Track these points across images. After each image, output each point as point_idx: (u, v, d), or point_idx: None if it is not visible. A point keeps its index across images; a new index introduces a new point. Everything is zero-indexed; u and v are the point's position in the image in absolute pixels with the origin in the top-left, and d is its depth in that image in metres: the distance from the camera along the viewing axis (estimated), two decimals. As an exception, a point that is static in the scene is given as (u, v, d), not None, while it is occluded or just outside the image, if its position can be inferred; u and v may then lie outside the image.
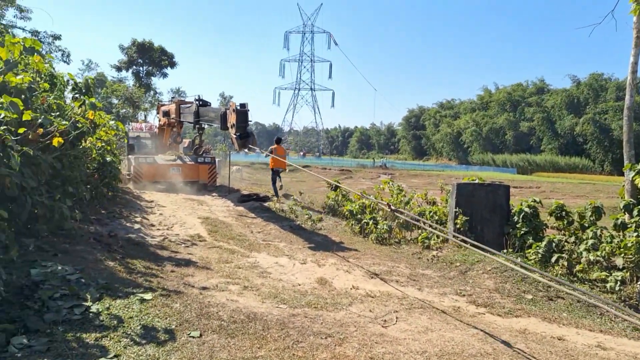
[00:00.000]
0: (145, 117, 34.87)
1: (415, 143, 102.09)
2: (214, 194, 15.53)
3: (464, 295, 5.98)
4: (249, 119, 9.30)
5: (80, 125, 7.27)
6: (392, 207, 5.17)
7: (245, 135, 9.33)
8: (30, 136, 6.28)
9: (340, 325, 4.66)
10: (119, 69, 44.69)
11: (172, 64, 44.61)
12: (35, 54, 4.52)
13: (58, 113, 7.02)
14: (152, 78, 45.13)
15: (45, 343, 3.81)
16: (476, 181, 8.31)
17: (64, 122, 6.65)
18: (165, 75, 44.96)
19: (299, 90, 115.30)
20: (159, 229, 9.21)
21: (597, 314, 5.64)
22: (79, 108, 7.07)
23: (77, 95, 7.25)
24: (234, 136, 9.38)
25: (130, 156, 16.17)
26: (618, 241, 7.02)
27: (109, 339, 3.96)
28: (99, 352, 3.75)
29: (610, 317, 5.57)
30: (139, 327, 4.21)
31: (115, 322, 4.27)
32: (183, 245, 7.99)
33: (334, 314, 5.01)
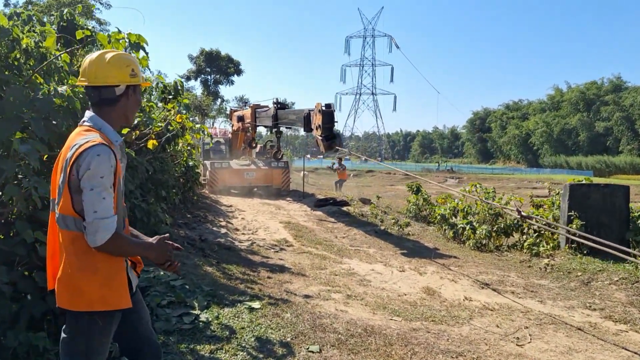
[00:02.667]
0: (213, 124, 35.61)
1: (481, 146, 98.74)
2: (288, 199, 15.37)
3: (595, 310, 5.28)
4: (335, 119, 8.97)
5: (171, 128, 7.19)
6: (523, 213, 4.60)
7: (332, 137, 8.98)
8: (127, 138, 6.22)
9: (469, 343, 4.15)
10: (188, 78, 46.10)
11: (239, 72, 45.50)
12: (141, 50, 4.32)
13: (150, 115, 6.96)
14: (220, 86, 46.27)
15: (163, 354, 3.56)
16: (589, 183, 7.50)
17: (159, 124, 6.57)
18: (232, 82, 45.96)
19: (360, 95, 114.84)
20: (244, 234, 9.03)
21: None
22: (170, 110, 6.98)
23: (168, 97, 7.15)
24: (320, 138, 9.05)
25: (206, 162, 16.31)
26: None
27: (224, 351, 3.67)
28: (216, 366, 3.46)
29: None
30: (252, 339, 3.89)
31: (227, 332, 3.98)
32: (272, 250, 7.73)
33: (457, 329, 4.49)
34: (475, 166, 78.45)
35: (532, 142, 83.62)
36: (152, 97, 8.00)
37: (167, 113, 6.84)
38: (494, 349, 4.06)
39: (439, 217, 9.38)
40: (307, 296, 5.25)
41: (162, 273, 5.04)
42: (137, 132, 6.51)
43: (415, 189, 12.69)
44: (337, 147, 9.03)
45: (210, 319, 4.18)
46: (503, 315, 4.95)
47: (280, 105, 12.15)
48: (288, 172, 16.84)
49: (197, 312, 4.29)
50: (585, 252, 7.04)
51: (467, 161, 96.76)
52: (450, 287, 6.04)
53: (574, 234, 7.02)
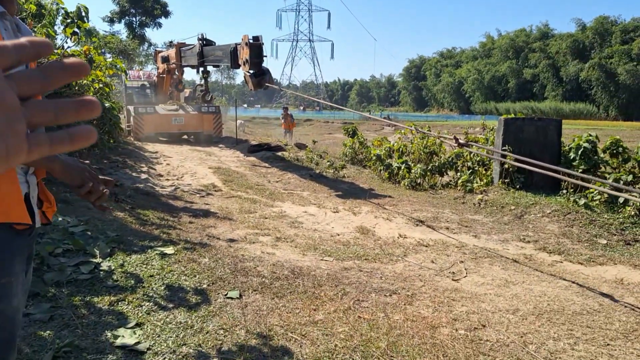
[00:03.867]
0: (141, 70, 33.37)
1: (416, 94, 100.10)
2: (220, 145, 14.59)
3: (528, 242, 5.19)
4: (264, 53, 8.25)
5: (67, 54, 6.29)
6: (461, 141, 4.29)
7: (261, 73, 8.29)
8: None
9: (404, 280, 3.87)
10: (111, 20, 42.68)
11: (166, 14, 42.52)
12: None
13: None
14: (146, 29, 43.24)
15: (47, 310, 3.00)
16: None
17: (55, 52, 5.68)
18: (159, 25, 42.99)
19: (297, 42, 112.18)
20: (168, 179, 8.35)
21: (687, 260, 4.85)
22: (71, 36, 6.06)
23: (68, 22, 6.20)
24: (248, 74, 8.35)
25: (129, 107, 15.12)
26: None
27: (126, 303, 3.16)
28: (115, 320, 2.95)
29: None
30: (162, 288, 3.40)
31: (133, 281, 3.46)
32: (198, 195, 7.15)
33: (391, 266, 4.21)
34: (411, 114, 79.55)
35: (464, 89, 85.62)
36: (56, 26, 6.96)
37: (64, 42, 5.93)
38: (429, 284, 3.80)
39: (374, 157, 9.07)
40: (231, 240, 4.79)
41: (60, 219, 4.38)
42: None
43: (351, 132, 12.34)
44: (266, 85, 8.38)
45: (113, 268, 3.63)
46: (438, 251, 4.72)
47: (206, 42, 11.19)
48: (220, 117, 15.94)
49: (98, 260, 3.72)
50: (518, 186, 6.99)
51: (403, 109, 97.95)
52: (385, 225, 5.77)
53: (509, 161, 6.92)
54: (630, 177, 6.38)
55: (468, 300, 3.53)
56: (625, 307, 3.46)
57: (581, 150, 6.83)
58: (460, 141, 4.31)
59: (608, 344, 2.96)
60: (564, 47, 74.66)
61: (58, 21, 6.75)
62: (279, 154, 12.23)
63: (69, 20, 6.33)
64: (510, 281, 3.94)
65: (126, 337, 2.79)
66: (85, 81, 7.21)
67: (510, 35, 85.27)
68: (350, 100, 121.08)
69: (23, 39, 0.41)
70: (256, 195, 7.48)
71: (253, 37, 8.21)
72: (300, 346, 2.75)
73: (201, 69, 12.02)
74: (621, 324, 3.22)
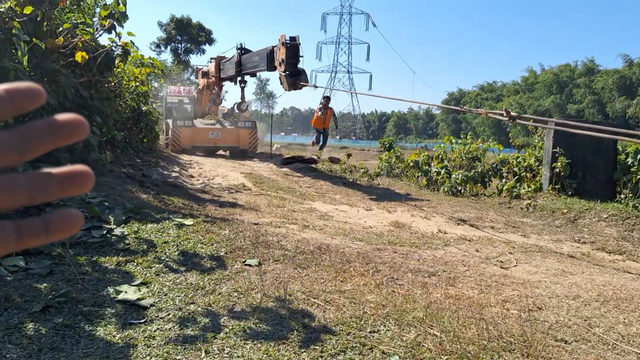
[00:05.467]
0: (181, 85, 34.25)
1: (455, 127, 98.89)
2: (255, 160, 14.50)
3: (585, 243, 4.65)
4: (300, 54, 8.07)
5: (108, 46, 6.24)
6: (513, 114, 3.88)
7: (297, 73, 8.10)
8: (47, 43, 5.26)
9: (445, 264, 3.44)
10: (157, 46, 44.15)
11: (210, 41, 43.68)
12: None
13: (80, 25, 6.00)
14: (190, 55, 44.46)
15: (47, 266, 2.73)
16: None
17: (86, 30, 5.62)
18: (203, 52, 44.11)
19: (335, 73, 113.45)
20: (198, 179, 8.16)
21: None
22: (106, 22, 6.02)
23: (106, 15, 6.16)
24: (283, 74, 8.17)
25: (168, 120, 15.29)
26: None
27: (135, 264, 2.86)
28: (120, 277, 2.65)
29: None
30: (176, 253, 3.09)
31: (145, 246, 3.17)
32: (227, 191, 6.90)
33: (430, 252, 3.78)
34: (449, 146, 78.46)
35: (505, 123, 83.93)
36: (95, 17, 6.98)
37: (99, 25, 5.89)
38: (473, 269, 3.35)
39: (412, 164, 8.65)
40: (256, 224, 4.46)
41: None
42: (62, 38, 5.56)
43: (387, 146, 12.01)
44: (302, 84, 8.16)
45: (126, 233, 3.36)
46: (483, 244, 4.26)
47: (245, 51, 11.16)
48: (255, 132, 15.91)
49: (111, 226, 3.46)
50: (570, 193, 6.44)
51: (445, 140, 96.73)
52: (423, 222, 5.33)
53: (556, 175, 6.42)
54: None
55: (520, 285, 3.07)
56: None
57: (640, 154, 6.26)
58: (512, 114, 3.90)
59: (695, 334, 2.45)
60: (610, 83, 72.79)
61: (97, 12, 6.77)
62: (312, 165, 11.98)
63: (107, 12, 6.31)
64: (567, 271, 3.45)
65: (129, 293, 2.49)
66: (119, 70, 7.17)
67: (554, 70, 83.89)
68: (387, 131, 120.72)
69: None
70: (286, 195, 7.17)
71: (290, 37, 8.06)
72: (324, 311, 2.37)
73: (239, 78, 11.98)
74: None
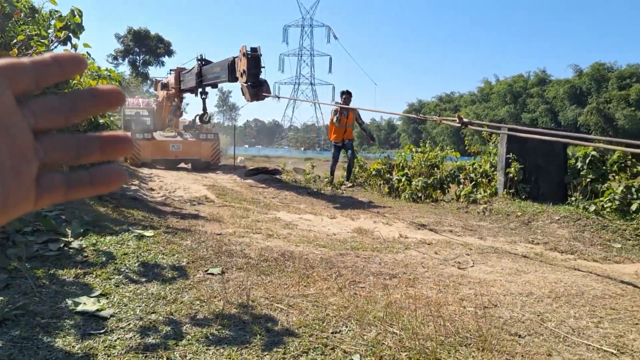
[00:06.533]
0: (139, 97, 33.69)
1: (416, 136, 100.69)
2: (218, 172, 14.38)
3: (538, 244, 4.84)
4: (262, 65, 8.12)
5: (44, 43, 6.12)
6: (465, 120, 4.03)
7: (259, 84, 8.14)
8: (1, 55, 5.13)
9: (405, 266, 3.52)
10: (115, 58, 43.35)
11: (169, 52, 43.18)
12: None
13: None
14: (149, 67, 43.83)
15: (3, 280, 2.66)
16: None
17: (42, 42, 5.52)
18: (162, 63, 43.57)
19: (298, 85, 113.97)
20: (159, 192, 8.05)
21: None
22: (61, 34, 5.92)
23: (61, 27, 6.06)
24: (245, 85, 8.19)
25: (126, 133, 15.01)
26: None
27: (94, 276, 2.82)
28: (79, 290, 2.61)
29: None
30: (136, 265, 3.06)
31: (104, 258, 3.12)
32: (188, 203, 6.84)
33: (391, 255, 3.86)
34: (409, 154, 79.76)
35: (463, 132, 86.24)
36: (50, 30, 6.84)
37: (51, 41, 5.79)
38: (432, 271, 3.45)
39: (374, 172, 8.79)
40: (219, 234, 4.45)
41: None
42: (16, 50, 5.41)
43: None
44: (264, 95, 8.20)
45: (84, 246, 3.30)
46: (442, 246, 4.38)
47: (205, 62, 11.12)
48: (218, 144, 15.78)
49: (69, 239, 3.39)
50: (523, 197, 6.69)
51: (405, 149, 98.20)
52: (385, 228, 5.43)
53: (510, 180, 6.66)
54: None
55: (476, 284, 3.18)
56: (652, 291, 3.11)
57: (589, 159, 6.56)
58: (464, 120, 4.05)
59: (637, 324, 2.60)
60: (562, 92, 75.81)
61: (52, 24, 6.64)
62: (277, 176, 11.98)
63: (62, 24, 6.20)
64: (521, 270, 3.59)
65: (88, 304, 2.45)
66: (73, 83, 7.02)
67: (508, 81, 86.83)
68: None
69: (46, 55, 0.34)
70: (250, 205, 7.16)
71: (251, 48, 8.11)
72: (287, 315, 2.40)
73: (200, 90, 11.90)
74: (649, 306, 2.86)
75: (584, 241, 5.00)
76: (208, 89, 11.94)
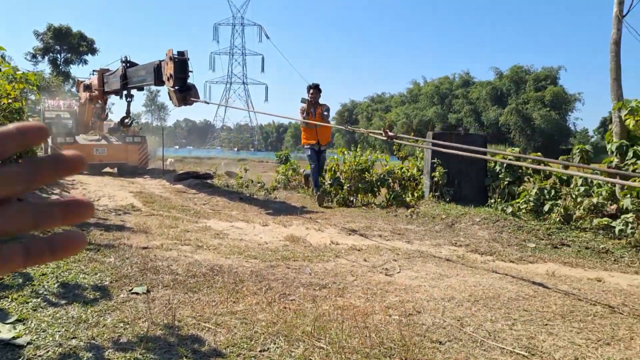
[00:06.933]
0: (60, 99, 31.94)
1: (349, 137, 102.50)
2: (145, 176, 13.90)
3: (460, 246, 5.09)
4: (190, 69, 7.95)
5: None
6: (390, 134, 4.16)
7: (186, 89, 7.96)
8: None
9: (335, 275, 3.59)
10: (34, 56, 40.77)
11: (93, 51, 41.15)
12: None
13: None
14: (71, 66, 41.59)
15: None
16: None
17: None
18: (85, 62, 41.48)
19: (230, 84, 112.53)
20: (82, 201, 7.67)
21: (611, 260, 4.92)
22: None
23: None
24: (172, 90, 7.99)
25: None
26: (611, 186, 6.45)
27: (9, 300, 2.66)
28: (-10, 317, 2.45)
29: (627, 263, 4.87)
30: (56, 286, 2.92)
31: (21, 280, 2.95)
32: (113, 213, 6.58)
33: (321, 264, 3.92)
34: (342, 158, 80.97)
35: (394, 132, 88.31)
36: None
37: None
38: (361, 279, 3.54)
39: (305, 176, 8.86)
40: (145, 248, 4.32)
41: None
42: None
43: (283, 159, 12.18)
44: (192, 100, 8.04)
45: (-3, 268, 3.10)
46: (371, 252, 4.50)
47: (130, 64, 10.73)
48: (146, 147, 15.27)
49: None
50: (447, 199, 7.00)
51: (338, 151, 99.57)
52: (316, 235, 5.50)
53: (435, 184, 6.94)
54: (552, 192, 6.55)
55: (402, 291, 3.30)
56: (560, 292, 3.36)
57: (506, 163, 6.97)
58: (390, 133, 4.19)
59: (547, 324, 2.81)
60: (484, 93, 79.77)
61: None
62: (208, 181, 11.78)
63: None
64: (444, 274, 3.77)
65: (3, 331, 2.31)
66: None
67: (435, 82, 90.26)
68: (285, 142, 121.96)
69: (10, 126, 0.34)
70: (179, 214, 7.00)
71: (178, 51, 7.92)
72: (215, 335, 2.38)
73: (124, 92, 11.47)
74: (557, 306, 3.09)
75: (502, 242, 5.32)
76: (134, 91, 11.53)
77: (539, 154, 7.81)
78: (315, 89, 8.06)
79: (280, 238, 5.24)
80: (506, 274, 3.82)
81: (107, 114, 15.91)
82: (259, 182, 9.79)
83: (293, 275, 3.50)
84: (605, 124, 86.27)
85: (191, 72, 8.00)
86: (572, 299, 3.21)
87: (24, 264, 0.36)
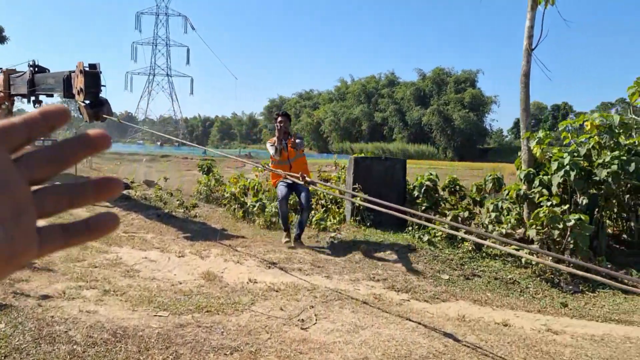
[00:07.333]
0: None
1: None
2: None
3: (378, 280, 5.15)
4: (103, 83, 7.47)
5: None
6: (307, 179, 4.10)
7: (99, 104, 7.48)
8: None
9: (248, 333, 3.48)
10: None
11: (2, 39, 37.90)
12: None
13: None
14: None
15: None
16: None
17: None
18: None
19: (154, 75, 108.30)
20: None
21: (517, 291, 5.20)
22: None
23: None
24: (83, 105, 7.47)
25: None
26: (517, 213, 6.82)
27: None
28: None
29: (532, 294, 5.16)
30: None
31: None
32: (13, 242, 6.05)
33: (235, 318, 3.80)
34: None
35: (322, 129, 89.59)
36: None
37: None
38: (275, 336, 3.46)
39: (229, 195, 8.65)
40: (44, 297, 3.99)
41: None
42: None
43: (206, 170, 11.85)
44: (104, 116, 7.57)
45: None
46: (288, 296, 4.43)
47: (39, 69, 9.93)
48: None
49: None
50: (368, 224, 7.09)
51: (265, 148, 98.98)
52: (235, 269, 5.35)
53: (357, 207, 7.01)
54: (466, 214, 6.82)
55: (316, 351, 3.26)
56: (469, 347, 3.46)
57: (424, 188, 7.18)
58: (307, 179, 4.14)
59: (453, 389, 2.88)
60: (408, 94, 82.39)
61: None
62: (124, 192, 11.20)
63: None
64: (359, 325, 3.77)
65: None
66: None
67: (362, 81, 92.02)
68: (212, 136, 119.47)
69: (35, 112, 0.37)
70: (90, 240, 6.57)
71: (89, 64, 7.41)
72: None
73: (32, 98, 10.62)
74: (465, 364, 3.18)
75: (418, 274, 5.45)
76: (43, 97, 10.70)
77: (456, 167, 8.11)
78: (284, 117, 6.67)
79: (196, 275, 5.04)
80: (419, 323, 3.89)
81: (16, 114, 14.67)
82: (177, 200, 9.41)
83: (204, 335, 3.35)
84: (518, 125, 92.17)
85: (104, 86, 7.53)
86: (479, 355, 3.31)
87: (65, 243, 0.37)
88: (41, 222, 0.36)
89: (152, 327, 3.42)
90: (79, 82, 7.48)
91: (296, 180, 5.16)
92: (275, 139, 6.65)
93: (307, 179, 4.18)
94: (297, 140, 6.56)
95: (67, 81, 7.89)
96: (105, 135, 0.38)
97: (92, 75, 7.39)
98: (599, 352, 3.46)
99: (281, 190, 6.37)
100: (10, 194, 0.33)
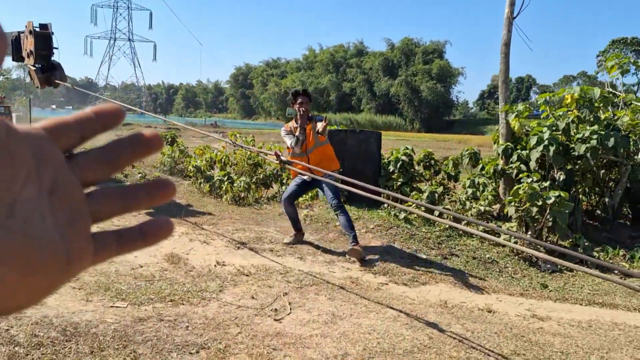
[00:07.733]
0: None
1: (244, 102, 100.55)
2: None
3: (354, 262, 4.89)
4: (55, 45, 6.80)
5: None
6: (282, 158, 3.74)
7: (50, 68, 6.83)
8: None
9: (216, 327, 3.16)
10: None
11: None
12: None
13: None
14: None
15: None
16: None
17: None
18: None
19: (114, 40, 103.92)
20: None
21: (496, 271, 5.04)
22: None
23: None
24: (33, 69, 6.81)
25: None
26: (493, 189, 6.66)
27: None
28: None
29: (510, 273, 5.01)
30: None
31: None
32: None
33: (202, 308, 3.46)
34: (239, 121, 79.53)
35: (289, 99, 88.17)
36: None
37: None
38: (247, 330, 3.15)
39: (194, 169, 8.18)
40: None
41: None
42: None
43: (170, 140, 11.30)
44: (57, 82, 6.93)
45: None
46: (260, 281, 4.12)
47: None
48: (10, 119, 13.39)
49: None
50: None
51: (232, 116, 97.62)
52: (201, 250, 5.00)
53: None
54: (441, 189, 6.61)
55: (291, 347, 2.97)
56: (455, 338, 3.24)
57: (400, 163, 6.91)
58: (282, 158, 3.78)
59: (442, 388, 2.65)
60: (377, 64, 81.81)
61: None
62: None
63: None
64: (337, 315, 3.50)
65: None
66: None
67: (330, 50, 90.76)
68: (176, 104, 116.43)
69: (88, 110, 0.35)
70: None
71: (40, 24, 6.73)
72: None
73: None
74: (454, 359, 2.96)
75: (395, 254, 5.21)
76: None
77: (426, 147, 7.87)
78: (304, 96, 5.45)
79: (159, 258, 4.66)
80: (400, 311, 3.65)
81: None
82: (139, 173, 8.89)
83: (166, 331, 3.01)
84: (483, 97, 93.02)
85: (56, 48, 6.85)
86: (466, 349, 3.09)
87: (119, 250, 0.34)
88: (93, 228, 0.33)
89: (107, 322, 3.05)
90: (28, 44, 6.79)
91: (314, 176, 4.24)
92: (291, 125, 5.37)
93: (282, 158, 3.81)
94: (319, 124, 5.05)
95: (15, 43, 7.17)
96: (157, 136, 0.35)
97: (43, 37, 6.71)
98: (588, 342, 3.30)
99: (290, 187, 5.37)
100: (66, 196, 0.31)
